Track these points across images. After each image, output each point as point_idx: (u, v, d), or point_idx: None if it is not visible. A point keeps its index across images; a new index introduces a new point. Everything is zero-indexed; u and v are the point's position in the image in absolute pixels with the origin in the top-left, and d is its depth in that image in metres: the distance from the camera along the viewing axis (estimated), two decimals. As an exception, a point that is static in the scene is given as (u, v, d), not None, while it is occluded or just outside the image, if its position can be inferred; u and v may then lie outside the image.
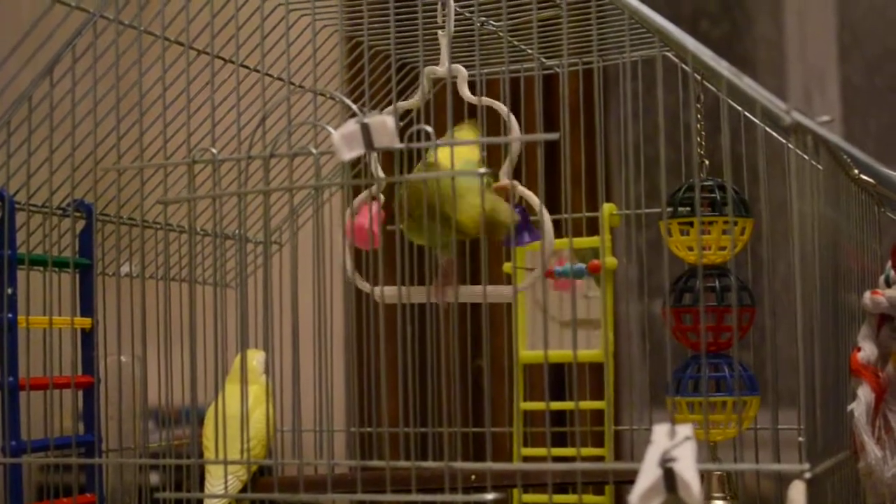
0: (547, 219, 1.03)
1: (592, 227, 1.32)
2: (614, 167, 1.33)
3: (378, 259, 0.98)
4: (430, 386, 1.03)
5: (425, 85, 1.05)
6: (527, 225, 1.05)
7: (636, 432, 1.31)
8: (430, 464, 0.93)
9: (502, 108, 1.03)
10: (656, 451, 0.81)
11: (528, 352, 1.26)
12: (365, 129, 0.89)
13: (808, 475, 0.82)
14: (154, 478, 1.49)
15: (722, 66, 0.87)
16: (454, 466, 0.91)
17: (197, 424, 1.07)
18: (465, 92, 1.05)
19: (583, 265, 1.20)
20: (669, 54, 1.20)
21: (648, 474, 0.80)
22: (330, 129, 0.91)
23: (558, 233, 1.07)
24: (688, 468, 0.79)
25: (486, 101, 1.06)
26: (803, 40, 2.14)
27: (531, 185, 1.06)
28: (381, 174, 1.02)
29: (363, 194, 1.04)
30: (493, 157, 1.05)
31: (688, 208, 1.10)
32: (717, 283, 1.09)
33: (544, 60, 1.32)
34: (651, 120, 1.01)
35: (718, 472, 1.13)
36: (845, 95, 2.12)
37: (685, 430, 0.81)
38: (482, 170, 0.92)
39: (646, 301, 1.28)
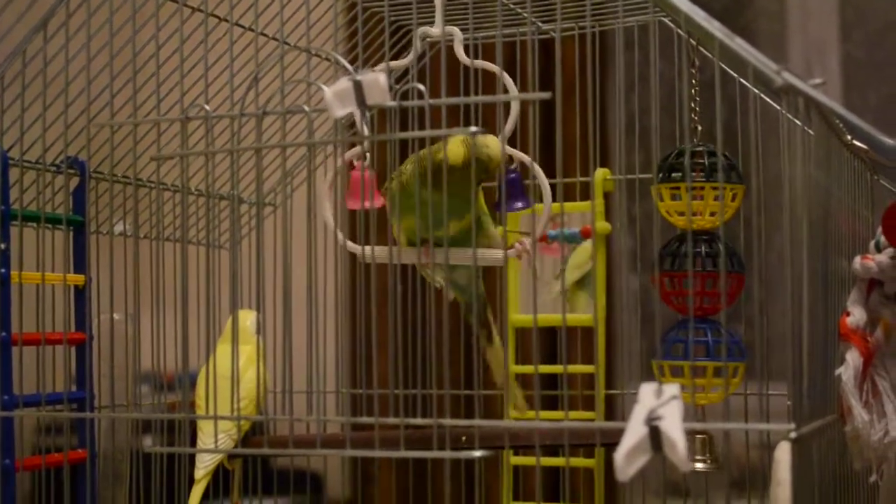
0: (545, 182, 1.03)
1: (587, 195, 1.31)
2: (611, 135, 1.33)
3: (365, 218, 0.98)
4: (422, 348, 1.03)
5: (418, 45, 1.04)
6: (520, 191, 1.05)
7: (627, 396, 1.31)
8: (419, 420, 0.93)
9: (495, 68, 1.02)
10: (642, 410, 0.81)
11: (519, 315, 1.26)
12: (357, 87, 0.89)
13: (793, 435, 0.82)
14: (147, 441, 1.49)
15: (714, 27, 0.86)
16: (443, 423, 0.92)
17: (189, 385, 1.08)
18: (461, 53, 1.05)
19: (576, 229, 1.20)
20: (665, 20, 1.19)
21: (634, 432, 0.80)
22: (323, 86, 0.91)
23: (552, 197, 1.06)
24: (674, 427, 0.79)
25: (480, 63, 1.06)
26: (804, 12, 2.13)
27: (525, 149, 1.06)
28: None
29: (351, 152, 1.04)
30: (488, 124, 1.04)
31: (679, 173, 1.09)
32: (702, 248, 1.09)
33: (540, 24, 1.31)
34: (647, 88, 1.01)
35: (701, 436, 1.13)
36: (846, 68, 2.12)
37: (672, 389, 0.81)
38: (474, 128, 0.92)
39: (639, 268, 1.28)
